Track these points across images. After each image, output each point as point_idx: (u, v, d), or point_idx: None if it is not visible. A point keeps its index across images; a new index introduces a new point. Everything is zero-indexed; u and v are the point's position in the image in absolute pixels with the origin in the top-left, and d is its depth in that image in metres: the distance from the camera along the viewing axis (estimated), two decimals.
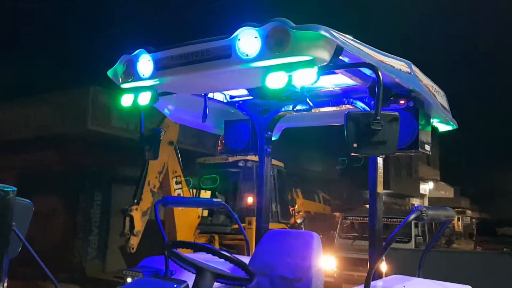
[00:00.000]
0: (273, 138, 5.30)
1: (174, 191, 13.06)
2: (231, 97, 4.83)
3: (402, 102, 4.08)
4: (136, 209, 11.76)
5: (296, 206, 16.15)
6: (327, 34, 2.95)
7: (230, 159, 14.35)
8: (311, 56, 3.01)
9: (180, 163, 13.26)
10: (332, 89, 4.43)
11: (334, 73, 3.72)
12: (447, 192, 64.29)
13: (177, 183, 13.14)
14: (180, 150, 13.55)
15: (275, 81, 3.10)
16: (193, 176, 14.11)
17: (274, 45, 3.03)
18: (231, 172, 14.43)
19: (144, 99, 3.76)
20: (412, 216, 3.23)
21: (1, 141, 16.91)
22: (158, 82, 3.65)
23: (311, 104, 3.88)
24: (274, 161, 15.15)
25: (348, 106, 4.56)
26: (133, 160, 14.83)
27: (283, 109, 4.88)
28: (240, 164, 14.02)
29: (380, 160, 4.32)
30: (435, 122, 4.62)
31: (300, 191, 18.36)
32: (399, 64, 3.62)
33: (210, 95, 4.61)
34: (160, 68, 3.56)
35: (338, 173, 27.62)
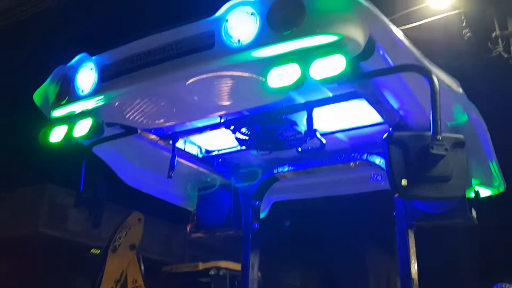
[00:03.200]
0: (261, 215, 4.08)
1: None
2: (207, 151, 3.67)
3: None
4: None
5: None
6: (361, 0, 1.98)
7: (201, 267, 12.75)
8: (336, 35, 1.99)
9: (141, 271, 11.51)
10: (338, 137, 3.35)
11: (351, 97, 2.67)
12: None
13: None
14: (144, 259, 11.91)
15: (282, 79, 2.03)
16: None
17: (281, 22, 2.01)
18: (201, 283, 12.75)
19: (81, 129, 2.57)
20: None
21: None
22: (102, 101, 2.50)
23: (324, 140, 2.76)
24: None
25: (359, 163, 3.47)
26: (92, 269, 13.01)
27: (276, 170, 3.73)
28: (212, 272, 12.40)
29: (411, 234, 3.16)
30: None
31: None
32: (448, 79, 2.64)
33: (180, 145, 3.44)
34: (106, 77, 2.44)
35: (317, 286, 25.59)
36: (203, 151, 3.64)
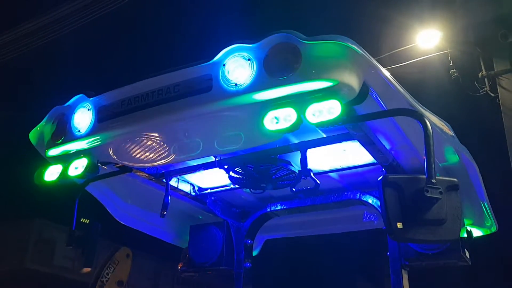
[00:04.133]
0: (253, 253, 4.05)
1: None
2: (200, 189, 3.67)
3: None
4: None
5: None
6: (355, 48, 2.05)
7: None
8: (331, 81, 2.05)
9: None
10: (330, 176, 3.38)
11: (345, 138, 2.71)
12: None
13: None
14: None
15: (278, 122, 2.08)
16: None
17: (277, 68, 2.07)
18: None
19: (76, 168, 2.58)
20: None
21: None
22: (98, 141, 2.52)
23: (318, 181, 2.78)
24: None
25: (352, 202, 3.49)
26: None
27: (269, 209, 3.73)
28: None
29: (405, 275, 3.16)
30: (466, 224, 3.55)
31: None
32: (439, 122, 2.70)
33: (173, 183, 3.44)
34: (103, 118, 2.48)
35: None
36: (196, 189, 3.64)
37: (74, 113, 2.57)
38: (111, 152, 2.61)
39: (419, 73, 8.35)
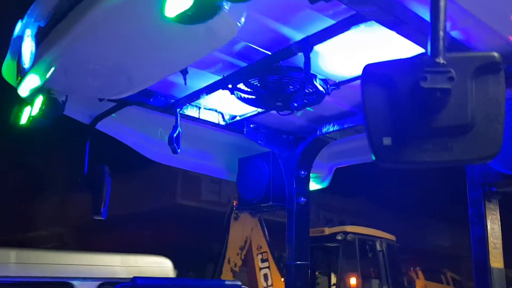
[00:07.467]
0: (320, 185, 3.45)
1: (260, 270, 11.16)
2: (233, 117, 3.10)
3: None
4: None
5: None
6: None
7: (327, 231, 12.28)
8: None
9: (266, 236, 11.45)
10: None
11: (359, 20, 1.89)
12: None
13: (263, 260, 11.27)
14: (271, 223, 11.82)
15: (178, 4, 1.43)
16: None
17: None
18: (330, 248, 12.29)
19: (36, 108, 2.24)
20: None
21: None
22: (44, 73, 2.10)
23: (322, 89, 2.03)
24: (383, 234, 12.75)
25: None
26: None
27: (319, 132, 3.05)
28: (339, 237, 11.85)
29: (491, 206, 2.29)
30: None
31: (421, 270, 15.27)
32: None
33: (194, 113, 2.94)
34: (39, 43, 2.06)
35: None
36: (227, 117, 3.06)
37: (21, 44, 2.20)
38: (64, 85, 2.18)
39: None
